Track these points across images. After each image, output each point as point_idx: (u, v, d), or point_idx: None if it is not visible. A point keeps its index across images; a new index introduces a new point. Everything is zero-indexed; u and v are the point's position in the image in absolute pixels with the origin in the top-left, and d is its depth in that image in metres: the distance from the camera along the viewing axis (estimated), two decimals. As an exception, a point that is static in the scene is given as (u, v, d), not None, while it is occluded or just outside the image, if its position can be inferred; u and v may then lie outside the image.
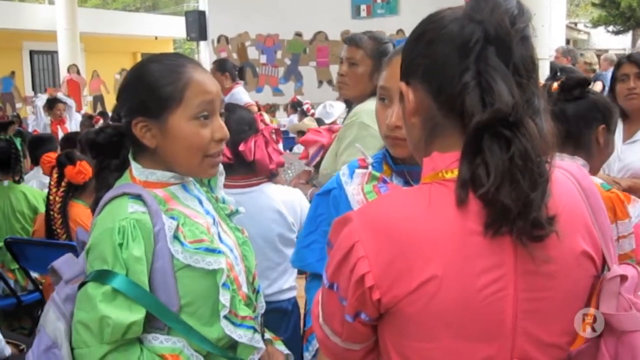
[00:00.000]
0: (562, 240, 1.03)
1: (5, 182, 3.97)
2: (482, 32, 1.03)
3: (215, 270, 1.53)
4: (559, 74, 4.62)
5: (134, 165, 1.60)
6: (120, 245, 1.46)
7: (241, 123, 2.40)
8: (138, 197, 1.53)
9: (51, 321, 1.56)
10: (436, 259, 1.02)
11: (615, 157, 3.39)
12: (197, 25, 11.53)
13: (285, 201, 2.49)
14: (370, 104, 2.68)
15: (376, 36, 2.85)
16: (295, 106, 9.77)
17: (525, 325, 1.06)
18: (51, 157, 3.56)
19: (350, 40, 2.85)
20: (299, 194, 2.59)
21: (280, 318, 2.45)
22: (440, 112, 1.09)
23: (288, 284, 2.54)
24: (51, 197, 3.49)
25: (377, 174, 1.61)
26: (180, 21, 14.55)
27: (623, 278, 1.09)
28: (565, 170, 1.15)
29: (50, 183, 3.53)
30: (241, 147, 2.36)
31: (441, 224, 1.03)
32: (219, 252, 1.55)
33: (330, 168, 2.77)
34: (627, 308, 1.08)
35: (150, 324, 1.53)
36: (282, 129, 8.18)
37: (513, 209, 0.98)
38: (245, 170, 2.41)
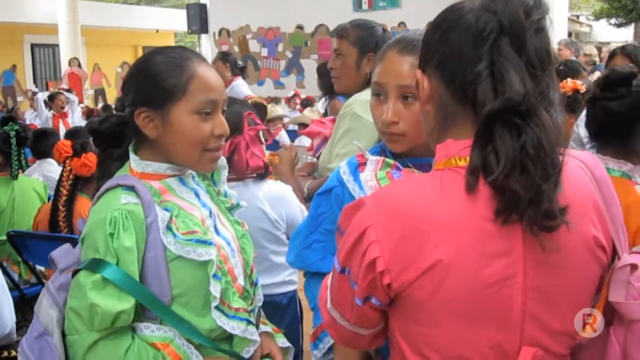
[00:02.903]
0: (573, 230, 1.03)
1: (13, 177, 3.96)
2: (496, 23, 1.04)
3: (206, 261, 1.54)
4: (561, 67, 4.60)
5: (132, 157, 1.62)
6: (112, 235, 1.48)
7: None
8: (131, 189, 1.55)
9: (44, 309, 1.59)
10: (446, 244, 1.03)
11: None
12: (199, 18, 11.49)
13: (268, 198, 2.46)
14: (365, 94, 2.64)
15: (360, 23, 2.79)
16: (304, 103, 9.74)
17: (534, 313, 1.06)
18: (67, 145, 3.47)
19: (336, 32, 2.81)
20: (285, 190, 2.57)
21: (273, 312, 2.42)
22: (453, 100, 1.10)
23: (279, 278, 2.53)
24: (60, 189, 3.47)
25: (391, 161, 1.60)
26: (182, 14, 14.50)
27: (633, 267, 1.10)
28: (578, 159, 1.16)
29: (62, 174, 3.51)
30: None
31: (452, 210, 1.04)
32: (210, 243, 1.56)
33: (327, 160, 2.76)
34: (637, 297, 1.09)
35: (144, 313, 1.55)
36: (284, 120, 8.16)
37: (523, 196, 0.99)
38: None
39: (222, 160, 1.80)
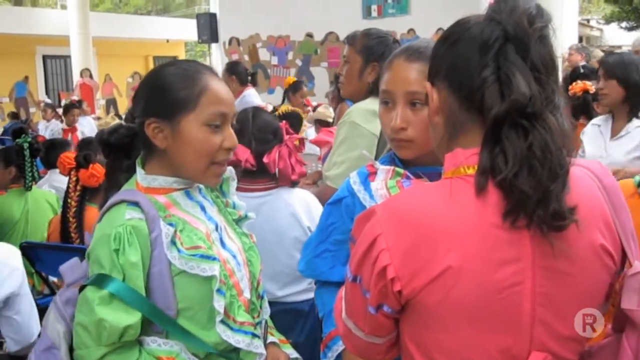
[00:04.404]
0: (581, 232, 1.04)
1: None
2: (501, 31, 1.07)
3: (210, 276, 1.54)
4: (582, 71, 4.60)
5: (138, 171, 1.63)
6: (117, 251, 1.49)
7: (265, 131, 2.38)
8: (136, 204, 1.55)
9: (51, 323, 1.61)
10: (455, 251, 1.04)
11: (602, 153, 3.42)
12: (209, 27, 11.54)
13: (302, 205, 2.47)
14: (366, 103, 2.66)
15: (370, 32, 2.81)
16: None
17: (542, 318, 1.07)
18: (70, 157, 3.51)
19: (347, 38, 2.85)
20: (314, 198, 2.57)
21: (295, 319, 2.44)
22: (461, 109, 1.12)
23: (302, 286, 2.52)
24: (68, 200, 3.48)
25: (401, 171, 1.61)
26: (192, 24, 14.59)
27: (645, 274, 1.09)
28: (585, 168, 1.17)
29: (68, 186, 3.52)
30: (265, 159, 2.35)
31: (461, 217, 1.05)
32: (214, 259, 1.56)
33: (327, 168, 2.76)
34: (649, 304, 1.07)
35: (151, 327, 1.56)
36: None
37: (531, 196, 1.00)
38: (266, 177, 2.40)
39: (231, 172, 1.81)
